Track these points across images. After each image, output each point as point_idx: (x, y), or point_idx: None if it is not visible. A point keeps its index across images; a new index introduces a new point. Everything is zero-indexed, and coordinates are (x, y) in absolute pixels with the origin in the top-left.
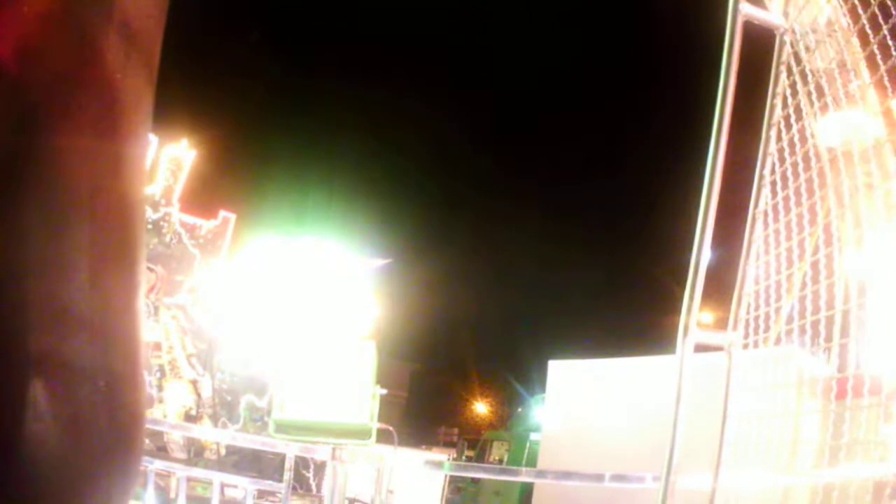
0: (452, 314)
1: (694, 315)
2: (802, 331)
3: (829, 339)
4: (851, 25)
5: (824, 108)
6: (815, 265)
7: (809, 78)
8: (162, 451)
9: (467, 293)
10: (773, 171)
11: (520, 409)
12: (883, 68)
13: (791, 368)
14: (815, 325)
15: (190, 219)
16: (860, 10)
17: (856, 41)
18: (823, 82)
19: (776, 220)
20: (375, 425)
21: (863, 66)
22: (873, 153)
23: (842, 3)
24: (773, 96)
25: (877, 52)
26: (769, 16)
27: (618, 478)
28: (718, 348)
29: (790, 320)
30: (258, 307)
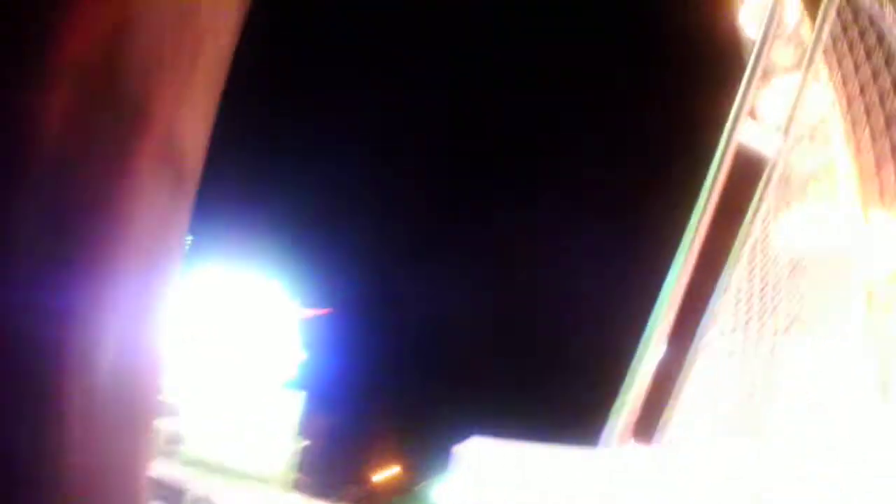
0: (384, 370)
1: (626, 424)
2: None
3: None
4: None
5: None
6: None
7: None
8: None
9: (400, 352)
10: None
11: (425, 483)
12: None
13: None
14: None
15: None
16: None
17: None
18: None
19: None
20: (293, 475)
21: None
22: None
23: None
24: (755, 214)
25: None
26: (765, 146)
27: None
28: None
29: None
30: (196, 334)
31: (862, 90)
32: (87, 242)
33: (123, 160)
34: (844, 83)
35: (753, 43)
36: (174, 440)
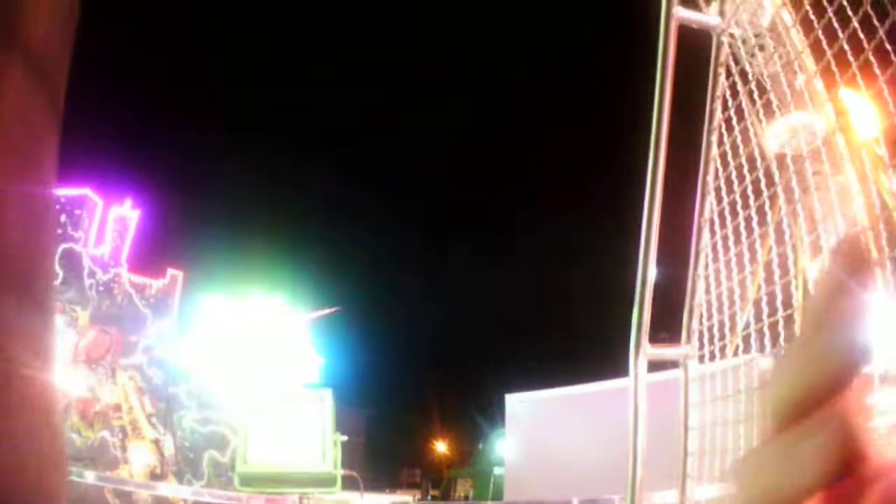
0: (404, 356)
1: (645, 331)
2: (761, 334)
3: (789, 339)
4: (794, 16)
5: (768, 105)
6: (768, 266)
7: (750, 77)
8: None
9: (418, 335)
10: (716, 177)
11: (481, 445)
12: (829, 54)
13: (753, 375)
14: (773, 326)
15: (139, 279)
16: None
17: (798, 34)
18: (766, 80)
19: (723, 226)
20: (340, 472)
21: (807, 57)
22: (824, 150)
23: None
24: (713, 100)
25: (821, 37)
26: (705, 17)
27: (587, 502)
28: (673, 363)
29: (747, 325)
30: (211, 363)
31: None
32: None
33: None
34: None
35: None
36: (227, 466)
